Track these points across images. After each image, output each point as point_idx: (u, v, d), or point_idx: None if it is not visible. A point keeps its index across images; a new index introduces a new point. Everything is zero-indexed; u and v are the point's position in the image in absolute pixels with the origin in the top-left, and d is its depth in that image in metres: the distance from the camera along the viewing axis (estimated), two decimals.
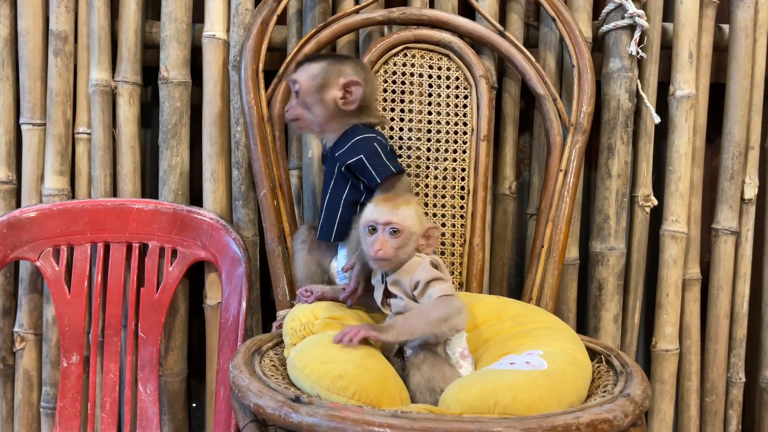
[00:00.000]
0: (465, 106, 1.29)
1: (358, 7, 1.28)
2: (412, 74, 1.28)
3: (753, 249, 1.46)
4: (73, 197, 1.36)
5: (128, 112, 1.35)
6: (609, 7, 1.34)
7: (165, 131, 1.34)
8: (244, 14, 1.31)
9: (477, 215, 1.27)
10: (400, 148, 1.27)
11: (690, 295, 1.44)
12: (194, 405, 1.46)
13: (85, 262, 1.30)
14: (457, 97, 1.29)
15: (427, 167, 1.27)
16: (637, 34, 1.32)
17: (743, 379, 1.47)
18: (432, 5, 1.35)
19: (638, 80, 1.36)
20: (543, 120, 1.29)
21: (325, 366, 0.87)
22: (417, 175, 1.27)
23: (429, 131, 1.28)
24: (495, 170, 1.40)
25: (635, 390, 0.86)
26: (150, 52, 1.38)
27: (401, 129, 1.27)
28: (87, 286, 1.29)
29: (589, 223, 1.42)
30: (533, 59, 1.29)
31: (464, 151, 1.28)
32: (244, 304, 1.23)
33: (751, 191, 1.44)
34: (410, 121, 1.28)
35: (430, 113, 1.28)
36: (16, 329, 1.36)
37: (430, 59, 1.29)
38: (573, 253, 1.40)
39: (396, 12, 1.28)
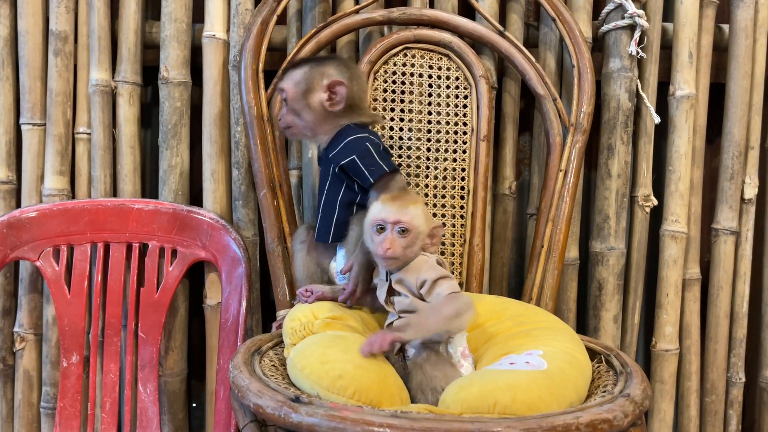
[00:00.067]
0: (465, 106, 1.29)
1: (358, 7, 1.28)
2: (412, 74, 1.28)
3: (753, 249, 1.46)
4: (73, 197, 1.36)
5: (128, 112, 1.35)
6: (609, 7, 1.34)
7: (165, 131, 1.34)
8: (244, 14, 1.31)
9: (477, 215, 1.27)
10: (400, 148, 1.27)
11: (690, 295, 1.44)
12: (194, 405, 1.47)
13: (85, 262, 1.30)
14: (457, 97, 1.29)
15: (427, 167, 1.27)
16: (637, 34, 1.32)
17: (743, 379, 1.47)
18: (432, 5, 1.35)
19: (638, 80, 1.36)
20: (543, 120, 1.29)
21: (325, 366, 0.87)
22: (417, 175, 1.27)
23: (429, 131, 1.28)
24: (495, 170, 1.40)
25: (635, 390, 0.86)
26: (150, 52, 1.38)
27: (401, 129, 1.27)
28: (87, 286, 1.29)
29: (589, 223, 1.42)
30: (533, 59, 1.29)
31: (464, 151, 1.28)
32: (244, 304, 1.23)
33: (751, 191, 1.44)
34: (410, 121, 1.28)
35: (430, 113, 1.28)
36: (16, 329, 1.36)
37: (430, 59, 1.29)
38: (573, 253, 1.40)
39: (396, 12, 1.28)
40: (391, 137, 1.27)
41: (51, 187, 1.34)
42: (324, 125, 1.11)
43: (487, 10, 1.33)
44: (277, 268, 1.21)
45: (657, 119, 1.37)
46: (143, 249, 1.32)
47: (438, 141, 1.28)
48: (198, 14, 1.35)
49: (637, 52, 1.33)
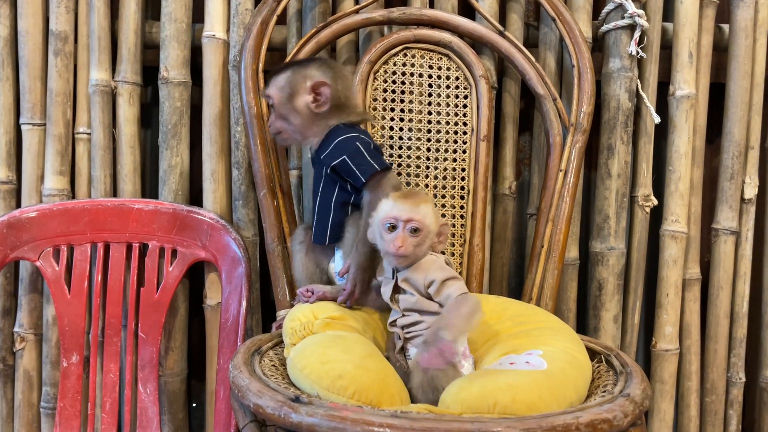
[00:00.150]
0: (465, 106, 1.29)
1: (358, 7, 1.28)
2: (412, 74, 1.28)
3: (753, 249, 1.46)
4: (73, 197, 1.36)
5: (128, 112, 1.35)
6: (609, 7, 1.34)
7: (165, 131, 1.34)
8: (244, 14, 1.31)
9: (477, 215, 1.27)
10: (400, 148, 1.27)
11: (690, 295, 1.44)
12: (194, 405, 1.46)
13: (85, 262, 1.30)
14: (457, 97, 1.29)
15: (427, 167, 1.27)
16: (637, 34, 1.32)
17: (743, 379, 1.47)
18: (432, 5, 1.35)
19: (638, 80, 1.36)
20: (543, 120, 1.29)
21: (325, 366, 0.87)
22: (417, 175, 1.27)
23: (429, 131, 1.28)
24: (495, 170, 1.40)
25: (635, 390, 0.86)
26: (150, 52, 1.38)
27: (401, 129, 1.27)
28: (87, 286, 1.29)
29: (589, 223, 1.42)
30: (533, 59, 1.29)
31: (464, 151, 1.28)
32: (244, 304, 1.23)
33: (751, 191, 1.44)
34: (410, 121, 1.28)
35: (430, 113, 1.28)
36: (16, 329, 1.36)
37: (430, 59, 1.29)
38: (573, 253, 1.40)
39: (396, 12, 1.28)
40: (391, 137, 1.27)
41: (51, 187, 1.34)
42: (313, 127, 1.11)
43: (487, 10, 1.33)
44: (277, 268, 1.21)
45: (657, 119, 1.37)
46: (143, 249, 1.32)
47: (438, 141, 1.28)
48: (198, 14, 1.35)
49: (637, 52, 1.33)
